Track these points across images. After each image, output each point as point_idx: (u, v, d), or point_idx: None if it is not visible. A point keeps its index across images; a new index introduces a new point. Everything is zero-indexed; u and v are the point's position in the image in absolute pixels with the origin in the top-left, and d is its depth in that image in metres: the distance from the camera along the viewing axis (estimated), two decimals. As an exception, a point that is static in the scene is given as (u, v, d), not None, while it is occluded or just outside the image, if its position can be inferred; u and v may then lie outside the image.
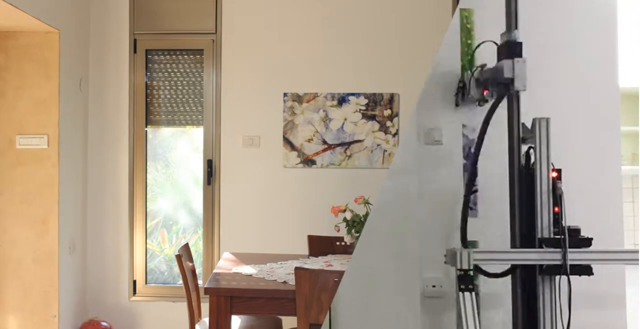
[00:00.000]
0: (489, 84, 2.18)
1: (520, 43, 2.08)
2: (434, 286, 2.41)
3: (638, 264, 2.03)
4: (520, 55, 2.06)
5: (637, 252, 2.04)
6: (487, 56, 2.37)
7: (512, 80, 2.05)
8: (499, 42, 2.17)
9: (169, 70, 4.79)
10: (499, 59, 2.12)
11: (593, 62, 2.49)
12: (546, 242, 2.06)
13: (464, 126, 2.44)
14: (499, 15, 2.26)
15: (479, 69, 2.25)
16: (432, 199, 2.42)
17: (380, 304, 2.42)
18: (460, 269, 2.03)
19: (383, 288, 2.43)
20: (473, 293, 2.02)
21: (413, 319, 2.41)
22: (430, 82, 2.47)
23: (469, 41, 2.44)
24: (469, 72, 2.30)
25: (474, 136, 2.39)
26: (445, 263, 2.12)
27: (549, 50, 2.42)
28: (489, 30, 2.39)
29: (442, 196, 2.42)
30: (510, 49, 2.09)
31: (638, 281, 2.54)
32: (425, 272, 2.41)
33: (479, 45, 2.32)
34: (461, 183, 2.40)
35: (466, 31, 2.45)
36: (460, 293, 2.02)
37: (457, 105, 2.38)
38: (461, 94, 2.35)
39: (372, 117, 4.64)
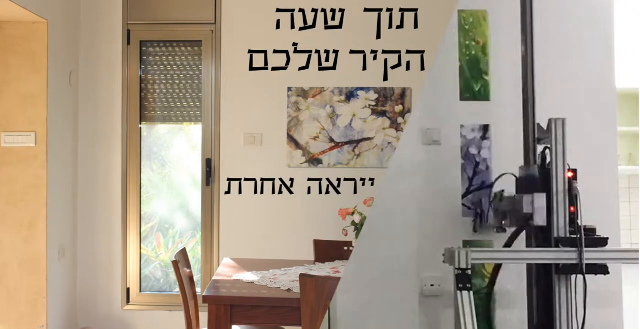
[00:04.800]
0: (508, 215, 2.40)
1: (539, 178, 2.29)
2: (432, 285, 2.60)
3: None
4: (540, 191, 2.26)
5: None
6: (496, 59, 2.61)
7: (531, 215, 2.25)
8: (517, 174, 2.39)
9: (165, 63, 4.79)
10: (518, 191, 2.36)
11: (590, 64, 2.67)
12: (562, 242, 2.23)
13: (462, 126, 2.63)
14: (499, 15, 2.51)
15: (497, 197, 2.46)
16: (431, 199, 2.62)
17: (379, 303, 2.60)
18: (459, 269, 2.20)
19: (382, 287, 2.61)
20: (471, 292, 2.18)
21: (412, 317, 2.60)
22: (429, 82, 2.67)
23: (467, 42, 2.65)
24: (487, 200, 2.53)
25: (472, 136, 2.63)
26: (443, 262, 2.31)
27: (547, 52, 2.56)
28: (490, 30, 2.63)
29: (441, 196, 2.62)
30: (530, 184, 2.30)
31: (635, 279, 2.70)
32: (424, 271, 2.60)
33: (500, 177, 2.51)
34: (459, 183, 2.62)
35: (465, 32, 2.65)
36: (459, 292, 2.19)
37: (475, 231, 2.60)
38: (479, 221, 2.59)
39: (383, 114, 4.62)
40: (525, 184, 2.31)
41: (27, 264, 4.15)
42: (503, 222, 2.43)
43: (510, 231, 2.39)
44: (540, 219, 2.25)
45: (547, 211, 2.28)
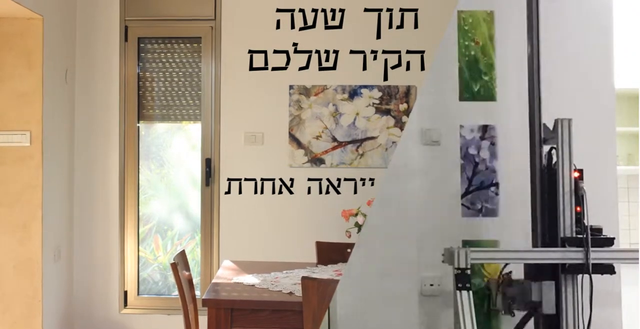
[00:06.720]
0: (516, 300, 2.42)
1: (549, 265, 2.33)
2: (432, 285, 2.67)
3: None
4: (549, 279, 2.32)
5: None
6: (501, 63, 2.71)
7: (540, 302, 2.32)
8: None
9: (164, 60, 4.77)
10: (527, 276, 2.40)
11: (589, 64, 2.76)
12: (569, 242, 2.30)
13: (461, 126, 2.71)
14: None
15: (505, 281, 2.47)
16: (431, 199, 2.69)
17: (379, 302, 2.67)
18: (458, 268, 2.27)
19: (382, 287, 2.69)
20: (470, 292, 2.26)
21: (411, 317, 2.67)
22: (429, 82, 2.76)
23: (467, 43, 2.73)
24: (495, 285, 2.53)
25: (472, 136, 2.71)
26: (443, 262, 2.38)
27: (546, 53, 2.59)
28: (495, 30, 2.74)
29: (440, 196, 2.70)
30: (539, 272, 2.35)
31: (635, 279, 2.77)
32: (423, 271, 2.68)
33: (505, 266, 2.51)
34: (459, 183, 2.69)
35: (464, 32, 2.73)
36: (458, 292, 2.26)
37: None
38: (487, 304, 2.63)
39: (387, 112, 4.61)
40: (534, 273, 2.34)
41: (22, 266, 4.14)
42: (511, 305, 2.44)
43: (519, 314, 2.42)
44: (548, 308, 2.30)
45: (553, 211, 2.32)
